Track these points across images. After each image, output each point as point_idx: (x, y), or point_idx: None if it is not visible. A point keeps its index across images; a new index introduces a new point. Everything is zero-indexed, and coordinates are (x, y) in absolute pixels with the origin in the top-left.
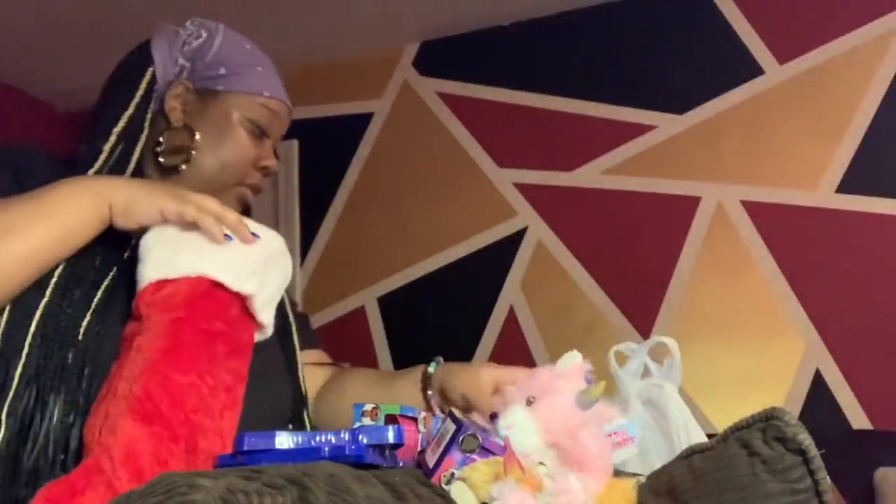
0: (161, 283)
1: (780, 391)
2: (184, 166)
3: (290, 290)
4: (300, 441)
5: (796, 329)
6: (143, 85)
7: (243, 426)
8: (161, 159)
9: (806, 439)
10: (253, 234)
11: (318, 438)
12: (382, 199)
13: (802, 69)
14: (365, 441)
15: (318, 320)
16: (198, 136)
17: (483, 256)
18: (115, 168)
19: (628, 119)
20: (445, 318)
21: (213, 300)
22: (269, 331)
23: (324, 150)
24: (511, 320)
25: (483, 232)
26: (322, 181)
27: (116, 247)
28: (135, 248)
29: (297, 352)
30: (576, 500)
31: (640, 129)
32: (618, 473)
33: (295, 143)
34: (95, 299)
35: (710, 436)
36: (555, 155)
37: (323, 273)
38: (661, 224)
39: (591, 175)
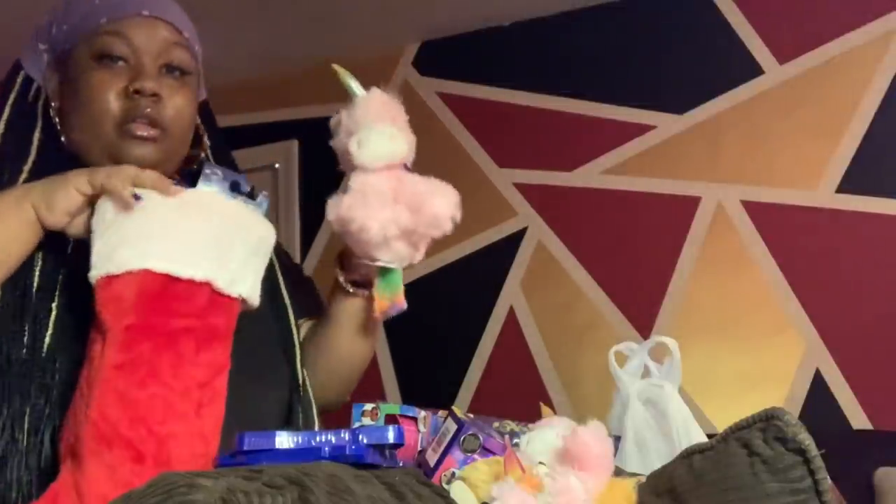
0: (108, 280)
1: (780, 391)
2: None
3: (287, 252)
4: (300, 441)
5: (796, 329)
6: (16, 87)
7: (237, 419)
8: (62, 139)
9: (806, 439)
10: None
11: (318, 438)
12: None
13: (802, 69)
14: (365, 441)
15: None
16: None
17: (483, 256)
18: (16, 149)
19: (628, 119)
20: (445, 318)
21: (169, 296)
22: (255, 302)
23: (324, 150)
24: (511, 320)
25: (483, 232)
26: (322, 181)
27: (54, 247)
28: (76, 242)
29: (294, 331)
30: (576, 500)
31: (640, 129)
32: (618, 473)
33: (295, 143)
34: (52, 316)
35: (710, 436)
36: (555, 155)
37: (323, 273)
38: (661, 224)
39: (591, 175)
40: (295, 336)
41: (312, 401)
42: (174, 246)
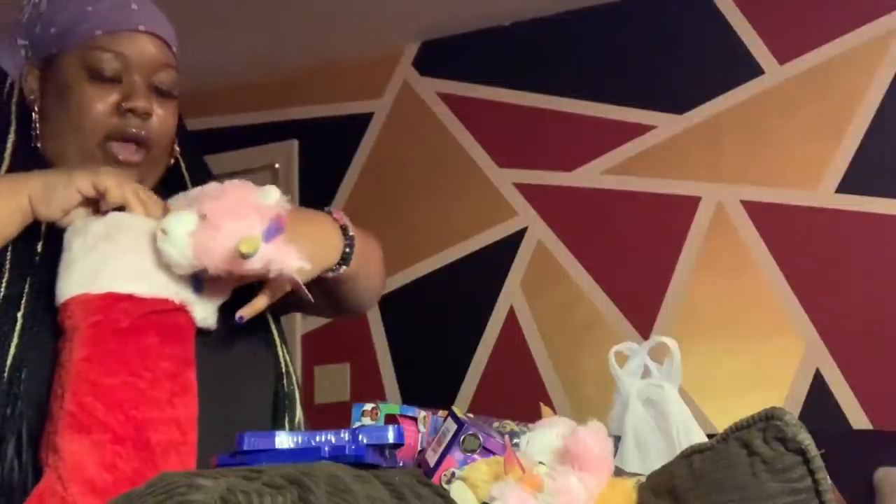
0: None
1: (780, 391)
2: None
3: None
4: (300, 441)
5: (796, 329)
6: None
7: (223, 410)
8: (38, 144)
9: (806, 439)
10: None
11: (318, 438)
12: (382, 200)
13: (802, 69)
14: (365, 441)
15: (318, 320)
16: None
17: (483, 256)
18: None
19: (628, 119)
20: (445, 318)
21: (133, 299)
22: (211, 325)
23: (324, 150)
24: (511, 320)
25: (483, 232)
26: (322, 181)
27: (21, 259)
28: (44, 253)
29: (273, 331)
30: (576, 500)
31: (640, 129)
32: (618, 473)
33: (295, 143)
34: (17, 326)
35: (710, 436)
36: (555, 155)
37: None
38: (661, 224)
39: (591, 175)
40: (272, 324)
41: (297, 389)
42: (161, 272)
